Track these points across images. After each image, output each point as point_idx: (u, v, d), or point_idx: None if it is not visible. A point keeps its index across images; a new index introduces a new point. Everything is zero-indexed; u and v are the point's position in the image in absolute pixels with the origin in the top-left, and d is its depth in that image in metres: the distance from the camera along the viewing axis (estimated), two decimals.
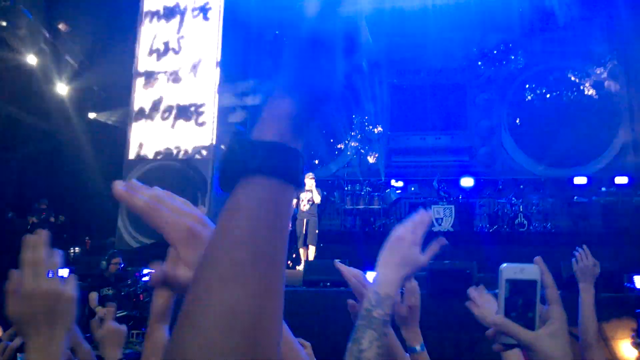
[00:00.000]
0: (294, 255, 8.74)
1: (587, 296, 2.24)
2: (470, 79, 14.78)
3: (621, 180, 12.03)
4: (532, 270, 0.95)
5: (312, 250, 8.67)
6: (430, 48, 14.64)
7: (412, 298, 1.73)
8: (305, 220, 8.59)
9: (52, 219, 11.57)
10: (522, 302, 0.94)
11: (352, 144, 14.92)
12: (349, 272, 1.54)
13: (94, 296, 6.43)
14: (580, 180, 12.59)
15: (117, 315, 5.42)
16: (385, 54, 14.92)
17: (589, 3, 14.01)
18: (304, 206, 8.64)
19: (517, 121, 14.25)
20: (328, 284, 6.83)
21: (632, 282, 6.58)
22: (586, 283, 2.27)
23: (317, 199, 8.63)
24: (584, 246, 2.39)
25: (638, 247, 8.94)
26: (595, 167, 13.53)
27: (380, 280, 1.20)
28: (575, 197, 12.39)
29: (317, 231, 8.65)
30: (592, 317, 2.19)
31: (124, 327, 1.91)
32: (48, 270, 1.00)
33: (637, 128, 13.44)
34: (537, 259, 0.99)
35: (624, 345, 5.03)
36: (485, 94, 14.69)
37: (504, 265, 0.96)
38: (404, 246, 1.20)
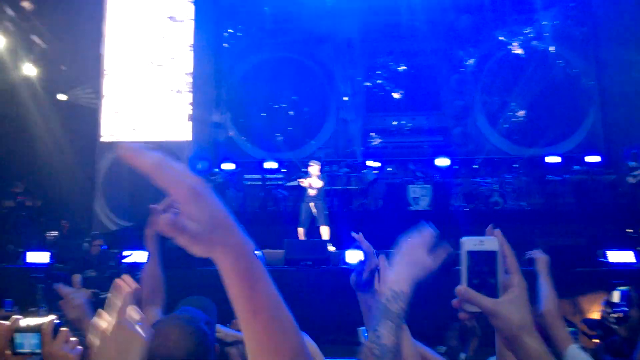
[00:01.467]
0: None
1: (548, 289, 2.26)
2: (444, 61, 14.86)
3: (592, 158, 12.34)
4: (491, 242, 0.99)
5: (326, 230, 9.00)
6: (404, 30, 14.66)
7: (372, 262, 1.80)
8: (312, 204, 9.02)
9: (29, 203, 11.30)
10: (483, 271, 0.98)
11: (329, 125, 14.91)
12: (366, 243, 1.72)
13: (77, 278, 6.37)
14: (553, 159, 12.86)
15: (100, 297, 5.39)
16: (360, 35, 14.87)
17: None
18: (311, 191, 9.03)
19: (491, 102, 14.42)
20: (309, 262, 6.89)
21: (605, 257, 6.82)
22: (544, 276, 2.32)
23: (317, 184, 9.05)
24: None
25: (610, 224, 9.24)
26: (567, 146, 13.85)
27: (395, 278, 1.33)
28: (548, 176, 12.67)
29: (326, 212, 9.10)
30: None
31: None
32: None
33: (607, 108, 13.76)
34: (496, 231, 1.02)
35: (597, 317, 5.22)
36: (458, 75, 14.81)
37: (464, 238, 1.00)
38: (417, 251, 1.35)
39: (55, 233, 11.61)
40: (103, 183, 12.22)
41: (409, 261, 1.34)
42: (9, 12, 12.12)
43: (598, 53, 14.06)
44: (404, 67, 14.94)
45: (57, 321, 1.57)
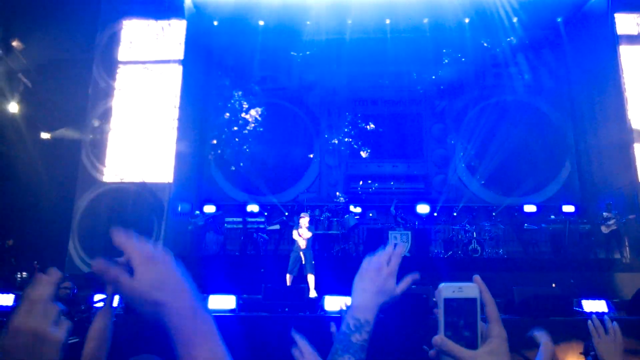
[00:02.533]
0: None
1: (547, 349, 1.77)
2: (426, 110, 15.34)
3: (568, 208, 12.63)
4: (471, 289, 0.93)
5: (311, 278, 9.21)
6: (388, 79, 15.21)
7: None
8: (302, 254, 9.34)
9: None
10: (462, 321, 0.92)
11: (312, 171, 15.07)
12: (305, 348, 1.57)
13: None
14: (530, 208, 13.14)
15: (70, 341, 5.19)
16: (346, 84, 15.34)
17: (539, 42, 14.93)
18: (301, 241, 9.38)
19: (471, 151, 14.80)
20: (286, 309, 6.79)
21: (581, 306, 6.87)
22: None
23: (306, 235, 9.44)
24: (614, 323, 1.83)
25: (585, 273, 9.36)
26: (544, 195, 14.18)
27: (359, 306, 1.22)
28: (526, 225, 12.91)
29: (313, 262, 9.35)
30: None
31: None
32: (44, 310, 1.00)
33: (582, 159, 14.22)
34: (476, 277, 0.97)
35: None
36: (441, 124, 15.24)
37: (442, 284, 0.94)
38: (381, 276, 1.24)
39: (24, 274, 11.25)
40: (79, 224, 12.00)
41: (374, 290, 1.23)
42: None
43: (574, 106, 14.67)
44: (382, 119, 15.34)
45: None
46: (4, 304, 7.71)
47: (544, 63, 15.03)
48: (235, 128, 15.19)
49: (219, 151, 15.10)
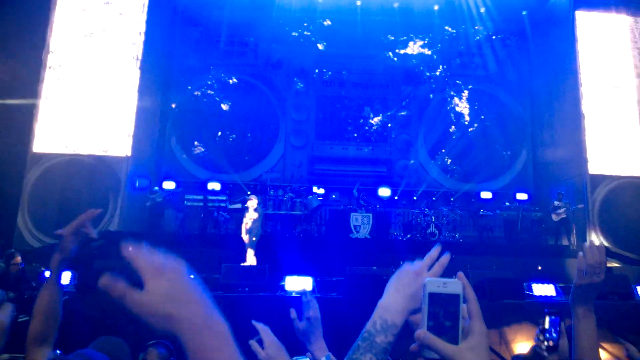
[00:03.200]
0: None
1: (587, 324, 1.66)
2: (392, 94, 15.43)
3: (522, 196, 13.08)
4: (454, 285, 0.94)
5: (251, 252, 9.23)
6: (356, 62, 15.17)
7: (311, 311, 1.79)
8: (248, 236, 9.33)
9: None
10: (444, 315, 0.93)
11: (276, 150, 14.95)
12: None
13: None
14: (486, 194, 13.54)
15: (20, 320, 4.98)
16: (313, 64, 15.19)
17: (502, 33, 15.21)
18: (248, 224, 9.34)
19: (433, 137, 15.05)
20: (246, 289, 6.76)
21: (531, 290, 7.17)
22: (586, 306, 1.66)
23: (254, 216, 9.42)
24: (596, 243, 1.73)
25: (535, 258, 9.75)
26: (500, 183, 14.63)
27: (390, 307, 1.18)
28: (482, 211, 13.30)
29: (254, 239, 9.32)
30: (592, 349, 1.64)
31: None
32: None
33: (537, 149, 14.72)
34: (460, 274, 0.98)
35: (521, 347, 5.45)
36: (405, 110, 15.38)
37: (428, 279, 0.96)
38: (418, 283, 1.20)
39: None
40: (29, 197, 11.48)
41: (409, 294, 1.19)
42: None
43: (533, 98, 15.11)
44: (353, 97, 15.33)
45: None
46: None
47: (508, 55, 15.36)
48: (198, 97, 14.81)
49: (181, 125, 14.73)
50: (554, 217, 11.87)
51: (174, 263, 0.83)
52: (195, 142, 14.59)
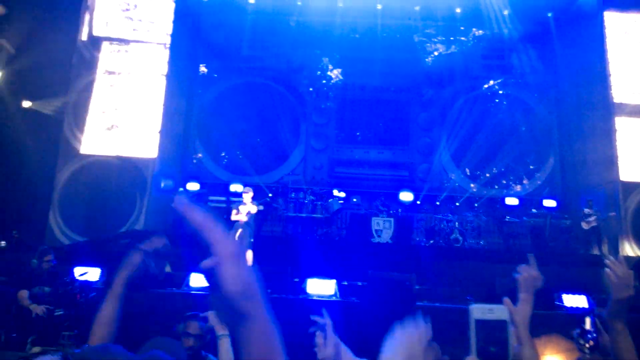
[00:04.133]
0: None
1: (525, 307, 2.02)
2: (414, 98, 15.32)
3: (549, 203, 12.80)
4: (501, 311, 0.95)
5: (250, 254, 8.97)
6: (378, 65, 15.11)
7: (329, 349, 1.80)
8: (240, 230, 9.03)
9: None
10: (492, 342, 0.92)
11: (298, 153, 15.00)
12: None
13: (24, 294, 6.02)
14: (511, 200, 13.29)
15: (55, 314, 5.14)
16: (333, 67, 15.20)
17: (528, 36, 14.96)
18: (243, 217, 9.11)
19: (456, 141, 14.88)
20: (269, 290, 6.80)
21: (561, 300, 6.98)
22: (527, 293, 2.01)
23: (253, 209, 9.25)
24: (531, 255, 2.08)
25: (565, 267, 9.51)
26: (526, 189, 14.35)
27: None
28: (507, 217, 13.06)
29: (252, 240, 9.14)
30: (524, 331, 1.96)
31: None
32: None
33: (565, 154, 14.40)
34: (506, 299, 0.98)
35: None
36: (427, 113, 15.25)
37: (473, 305, 0.96)
38: (415, 348, 1.21)
39: (3, 243, 11.08)
40: (60, 195, 11.80)
41: (403, 354, 1.21)
42: None
43: (560, 101, 14.78)
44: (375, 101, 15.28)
45: None
46: None
47: (533, 57, 15.09)
48: (221, 100, 14.99)
49: (204, 128, 14.92)
50: (584, 225, 11.58)
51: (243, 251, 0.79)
52: (219, 145, 14.75)
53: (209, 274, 0.73)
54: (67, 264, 7.37)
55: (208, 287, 0.75)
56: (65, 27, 12.49)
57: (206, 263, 0.73)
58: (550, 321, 5.88)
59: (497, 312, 0.94)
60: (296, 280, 8.18)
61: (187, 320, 3.47)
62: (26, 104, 12.88)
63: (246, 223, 9.12)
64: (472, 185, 14.44)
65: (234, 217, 9.09)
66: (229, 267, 0.74)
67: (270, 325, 0.77)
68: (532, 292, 1.87)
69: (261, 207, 12.97)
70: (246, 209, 9.15)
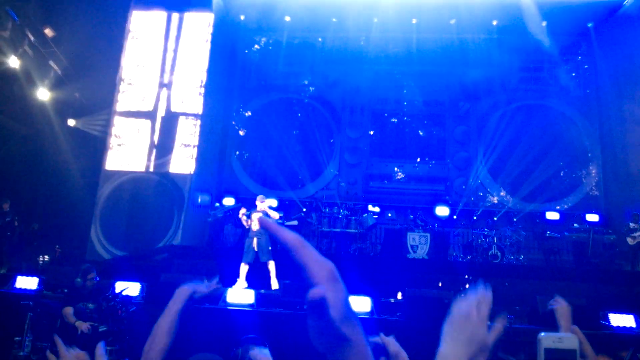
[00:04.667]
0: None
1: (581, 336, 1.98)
2: (450, 111, 15.14)
3: (592, 217, 12.35)
4: (570, 340, 0.93)
5: (272, 265, 8.75)
6: (413, 78, 15.05)
7: None
8: (255, 240, 8.79)
9: (16, 223, 11.10)
10: None
11: (332, 168, 15.04)
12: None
13: (69, 311, 6.23)
14: (552, 215, 12.89)
15: (100, 330, 5.30)
16: (369, 82, 15.23)
17: (567, 47, 14.62)
18: (255, 225, 8.82)
19: (494, 155, 14.58)
20: (305, 306, 6.78)
21: (608, 320, 6.67)
22: (569, 323, 1.97)
23: (276, 215, 9.11)
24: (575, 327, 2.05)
25: (610, 285, 9.12)
26: (567, 203, 13.89)
27: (449, 356, 1.17)
28: (548, 232, 12.65)
29: (270, 247, 8.79)
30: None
31: (84, 354, 1.86)
32: None
33: (608, 167, 13.89)
34: (575, 328, 0.95)
35: None
36: (464, 127, 15.04)
37: (542, 334, 0.95)
38: (472, 324, 1.11)
39: (46, 258, 11.46)
40: (101, 211, 12.20)
41: (465, 339, 1.11)
42: (30, 36, 12.43)
43: (602, 113, 14.32)
44: (407, 117, 15.19)
45: None
46: (28, 287, 7.88)
47: (572, 68, 14.73)
48: (257, 116, 15.24)
49: (240, 145, 15.17)
50: (630, 241, 11.09)
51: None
52: (254, 161, 14.96)
53: (316, 303, 0.70)
54: (107, 278, 7.57)
55: (308, 313, 0.73)
56: (110, 50, 13.02)
57: (315, 293, 0.69)
58: (596, 341, 5.60)
59: (566, 341, 0.91)
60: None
61: (245, 344, 3.41)
62: (71, 122, 13.44)
63: (259, 232, 8.81)
64: (510, 199, 14.08)
65: (243, 218, 8.84)
66: (330, 291, 0.69)
67: (367, 348, 0.73)
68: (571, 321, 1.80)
69: (295, 222, 13.07)
70: (257, 216, 8.75)
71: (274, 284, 8.51)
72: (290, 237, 0.73)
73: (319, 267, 0.71)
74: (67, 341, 2.13)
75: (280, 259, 8.91)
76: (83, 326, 5.89)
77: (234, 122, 15.29)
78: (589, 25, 14.22)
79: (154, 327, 2.07)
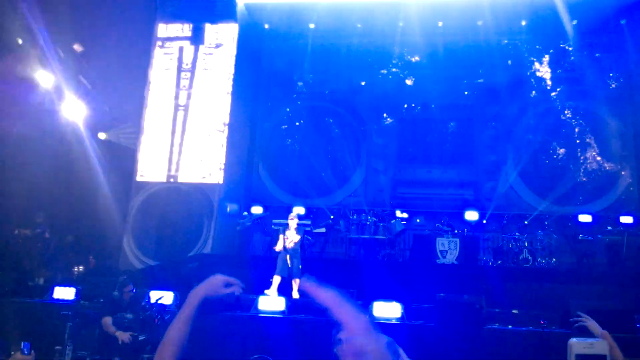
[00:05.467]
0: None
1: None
2: (478, 115, 14.96)
3: (626, 219, 12.00)
4: (601, 346, 0.92)
5: (296, 283, 9.04)
6: (440, 82, 14.93)
7: None
8: (289, 256, 9.21)
9: (47, 235, 11.45)
10: None
11: (359, 174, 15.05)
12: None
13: (108, 321, 6.44)
14: (585, 218, 12.57)
15: (139, 339, 5.47)
16: (395, 87, 15.20)
17: (599, 45, 14.30)
18: (289, 243, 9.26)
19: (524, 158, 14.34)
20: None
21: None
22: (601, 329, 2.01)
23: (296, 238, 9.36)
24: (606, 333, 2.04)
25: None
26: (600, 205, 13.54)
27: None
28: (581, 235, 12.34)
29: (300, 266, 9.21)
30: None
31: None
32: None
33: None
34: (605, 333, 0.96)
35: None
36: (492, 130, 14.84)
37: (573, 340, 0.95)
38: None
39: (81, 268, 11.80)
40: (133, 221, 12.50)
41: None
42: (60, 53, 12.86)
43: (636, 112, 13.93)
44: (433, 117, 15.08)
45: None
46: (66, 297, 8.15)
47: (605, 67, 14.36)
48: (284, 124, 15.37)
49: (267, 152, 15.35)
50: None
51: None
52: (282, 169, 15.09)
53: (357, 353, 0.76)
54: (141, 287, 7.77)
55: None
56: (138, 62, 13.39)
57: (355, 344, 0.77)
58: (633, 345, 5.47)
59: (597, 347, 0.92)
60: (359, 303, 8.15)
61: None
62: (101, 135, 13.83)
63: (293, 249, 9.27)
64: (541, 202, 13.80)
65: (279, 247, 9.29)
66: (367, 341, 0.76)
67: None
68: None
69: (323, 230, 13.13)
70: (292, 236, 9.29)
71: (295, 295, 8.85)
72: (328, 297, 0.81)
73: (355, 321, 0.80)
74: (107, 351, 2.21)
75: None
76: (124, 336, 6.08)
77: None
78: (622, 22, 13.87)
79: (165, 333, 1.96)
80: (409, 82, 15.17)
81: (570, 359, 0.92)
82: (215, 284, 2.02)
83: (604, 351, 0.91)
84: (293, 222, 9.42)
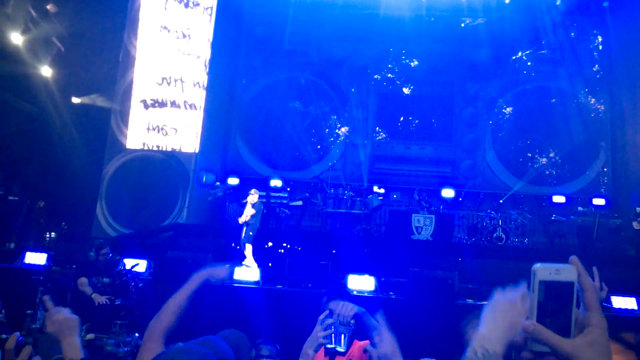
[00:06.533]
0: None
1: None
2: (458, 93, 14.96)
3: (598, 201, 12.27)
4: (568, 272, 0.85)
5: (249, 247, 9.31)
6: (421, 59, 14.82)
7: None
8: (245, 228, 9.49)
9: (13, 198, 11.16)
10: (557, 306, 0.84)
11: (337, 148, 14.97)
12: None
13: (84, 281, 6.43)
14: (558, 198, 12.82)
15: (116, 303, 5.43)
16: (376, 61, 15.04)
17: (580, 27, 14.34)
18: (244, 217, 9.53)
19: (502, 137, 14.45)
20: (310, 285, 6.84)
21: (610, 302, 6.68)
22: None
23: (250, 212, 9.58)
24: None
25: (614, 268, 9.11)
26: (574, 187, 13.81)
27: (490, 337, 1.19)
28: (554, 215, 12.60)
29: (251, 234, 9.42)
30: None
31: (75, 317, 1.99)
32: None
33: (617, 152, 13.75)
34: (573, 258, 0.87)
35: None
36: (472, 108, 14.87)
37: (538, 265, 0.86)
38: (516, 313, 1.19)
39: (53, 234, 11.58)
40: (107, 188, 12.24)
41: (507, 325, 1.18)
42: (32, 12, 12.30)
43: (614, 96, 14.10)
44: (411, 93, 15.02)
45: (21, 337, 1.55)
46: (38, 262, 8.01)
47: (585, 49, 14.45)
48: (262, 95, 15.11)
49: (245, 123, 15.10)
50: (635, 225, 11.03)
51: None
52: (260, 140, 14.89)
53: None
54: (114, 254, 7.66)
55: None
56: (112, 25, 12.90)
57: None
58: None
59: (564, 273, 0.83)
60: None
61: (258, 345, 3.48)
62: (75, 100, 13.39)
63: (247, 223, 9.49)
64: (517, 181, 13.99)
65: (241, 220, 9.51)
66: None
67: None
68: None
69: (300, 203, 13.08)
70: (247, 210, 9.58)
71: (249, 257, 9.12)
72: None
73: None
74: (80, 315, 2.17)
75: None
76: (101, 299, 6.06)
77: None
78: (605, 4, 13.89)
79: (164, 305, 2.16)
80: (390, 56, 15.00)
81: (533, 285, 0.84)
82: (220, 270, 2.34)
83: (571, 278, 0.83)
84: (251, 197, 9.65)
